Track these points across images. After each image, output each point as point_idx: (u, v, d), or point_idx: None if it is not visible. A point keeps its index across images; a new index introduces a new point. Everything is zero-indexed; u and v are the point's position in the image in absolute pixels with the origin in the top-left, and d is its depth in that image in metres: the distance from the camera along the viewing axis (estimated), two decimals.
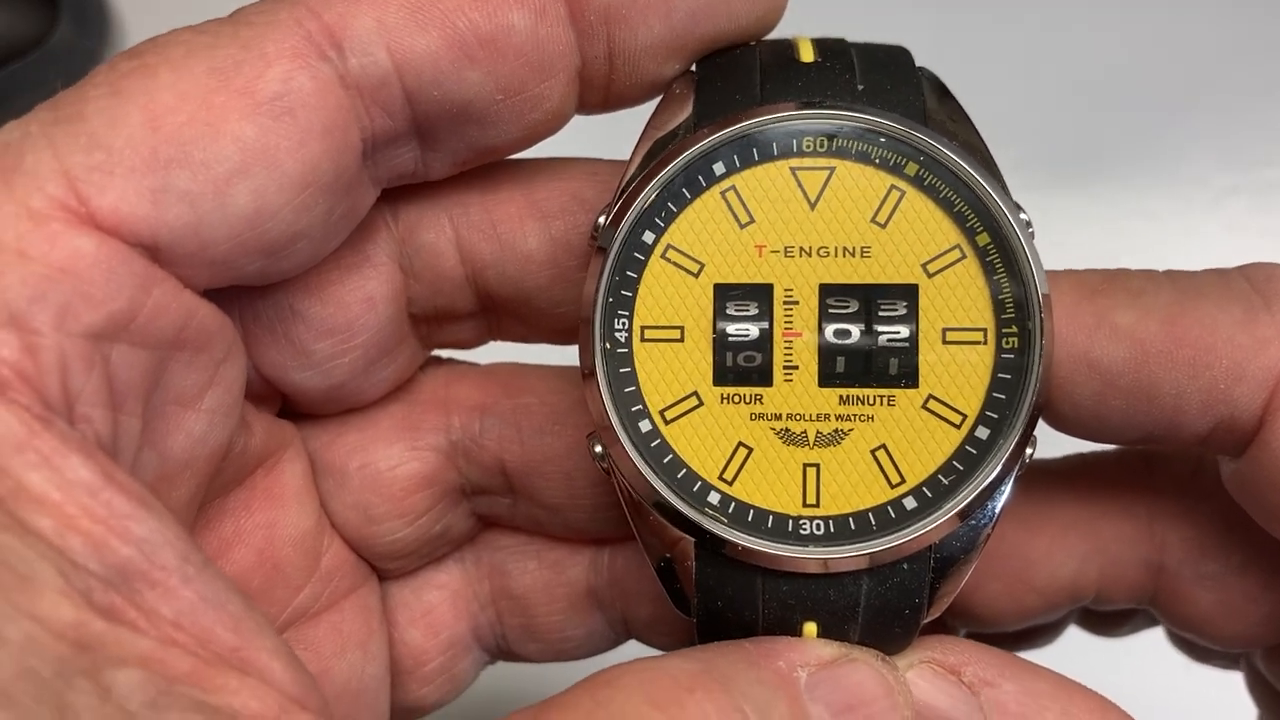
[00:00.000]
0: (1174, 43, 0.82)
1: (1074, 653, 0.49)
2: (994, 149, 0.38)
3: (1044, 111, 0.81)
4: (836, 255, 0.37)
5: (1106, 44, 0.82)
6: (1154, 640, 0.49)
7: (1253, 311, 0.36)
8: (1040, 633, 0.49)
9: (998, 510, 0.36)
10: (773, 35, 0.39)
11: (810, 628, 0.36)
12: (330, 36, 0.33)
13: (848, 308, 0.37)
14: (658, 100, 0.38)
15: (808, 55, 0.38)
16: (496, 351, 0.44)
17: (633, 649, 0.45)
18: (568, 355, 0.40)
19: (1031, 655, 0.48)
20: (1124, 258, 0.77)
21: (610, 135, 0.41)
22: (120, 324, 0.31)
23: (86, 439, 0.29)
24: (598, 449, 0.37)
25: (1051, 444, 0.40)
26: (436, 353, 0.44)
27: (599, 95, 0.38)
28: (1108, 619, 0.49)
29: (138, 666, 0.27)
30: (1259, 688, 0.47)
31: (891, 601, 0.36)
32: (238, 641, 0.29)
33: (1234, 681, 0.48)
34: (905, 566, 0.36)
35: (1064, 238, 0.81)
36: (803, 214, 0.37)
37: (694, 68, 0.38)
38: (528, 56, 0.35)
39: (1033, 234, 0.36)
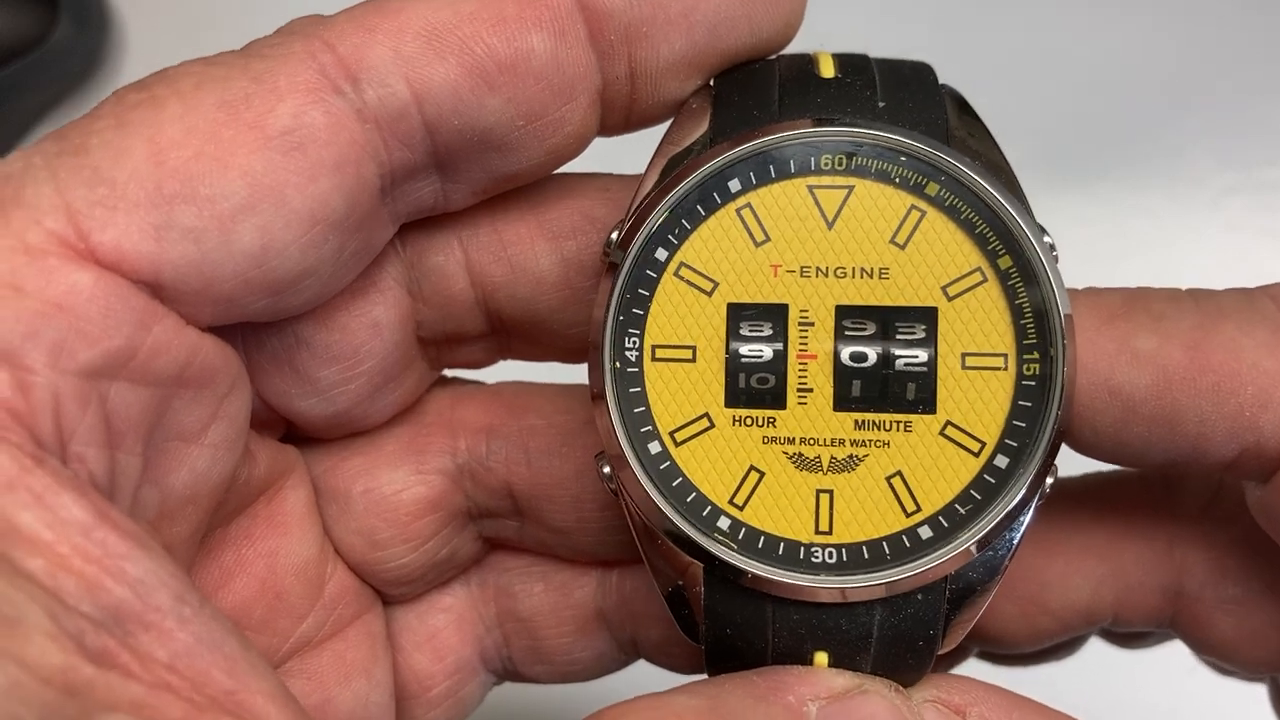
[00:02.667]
0: (1174, 43, 0.81)
1: (1094, 659, 0.49)
2: None
3: (1044, 111, 0.80)
4: (854, 276, 0.36)
5: (1107, 44, 0.82)
6: (1178, 648, 0.48)
7: (1279, 334, 0.36)
8: (1057, 649, 0.48)
9: (1017, 540, 0.35)
10: (794, 50, 0.38)
11: (821, 657, 0.35)
12: (345, 69, 0.32)
13: (865, 330, 0.36)
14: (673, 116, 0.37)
15: (828, 70, 0.37)
16: (506, 368, 0.43)
17: (642, 669, 0.45)
18: (578, 372, 0.39)
19: (1050, 669, 0.47)
20: (1125, 257, 0.78)
21: (623, 148, 0.40)
22: (118, 362, 0.30)
23: (80, 478, 0.29)
24: (606, 470, 0.36)
25: (1069, 462, 0.39)
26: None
27: (620, 116, 0.37)
28: (1129, 634, 0.48)
29: (127, 713, 0.26)
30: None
31: (905, 632, 0.35)
32: (233, 684, 0.28)
33: (1259, 694, 0.47)
34: (920, 597, 0.35)
35: (1065, 237, 0.81)
36: (820, 233, 0.36)
37: (711, 82, 0.37)
38: (549, 80, 0.34)
39: (1056, 257, 0.36)
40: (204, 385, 0.33)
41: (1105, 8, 0.82)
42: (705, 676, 0.37)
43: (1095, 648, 0.49)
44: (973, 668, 0.45)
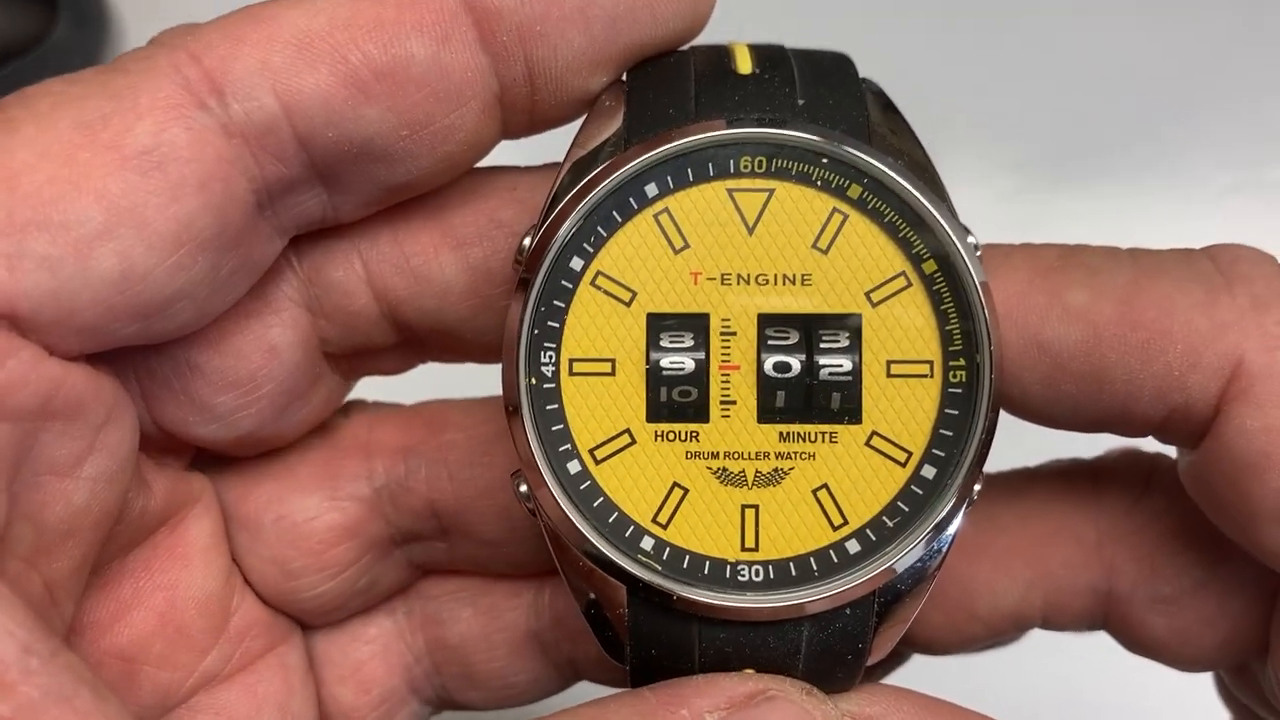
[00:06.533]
0: (1174, 43, 0.80)
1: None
2: (995, 149, 0.36)
3: (1045, 111, 0.79)
4: (776, 283, 0.35)
5: (1107, 44, 0.80)
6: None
7: (1214, 293, 0.34)
8: (993, 644, 0.46)
9: (945, 549, 0.34)
10: (709, 40, 0.36)
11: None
12: (211, 83, 0.31)
13: (788, 339, 0.35)
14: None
15: (745, 66, 0.35)
16: (425, 371, 0.42)
17: (584, 690, 0.43)
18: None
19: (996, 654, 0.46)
20: None
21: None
22: None
23: None
24: (523, 489, 0.35)
25: (994, 456, 0.37)
26: (360, 390, 0.42)
27: (524, 119, 0.35)
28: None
29: None
30: (1226, 694, 0.45)
31: (833, 647, 0.34)
32: None
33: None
34: (848, 611, 0.34)
35: (1065, 237, 0.79)
36: (740, 239, 0.35)
37: (624, 77, 0.36)
38: (432, 87, 0.33)
39: (980, 258, 0.34)
40: (73, 417, 0.32)
41: (1107, 8, 0.80)
42: None
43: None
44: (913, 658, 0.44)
